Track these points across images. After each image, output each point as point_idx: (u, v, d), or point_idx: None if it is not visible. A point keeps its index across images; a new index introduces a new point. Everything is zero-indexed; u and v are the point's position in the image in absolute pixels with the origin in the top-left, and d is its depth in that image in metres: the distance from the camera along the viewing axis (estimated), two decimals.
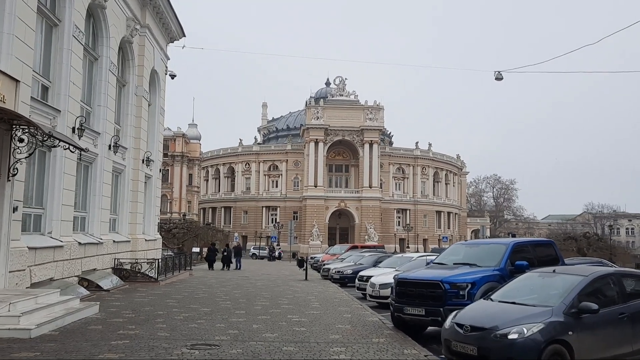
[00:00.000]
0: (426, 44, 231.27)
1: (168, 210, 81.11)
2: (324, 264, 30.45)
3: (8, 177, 11.27)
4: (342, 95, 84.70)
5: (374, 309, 15.07)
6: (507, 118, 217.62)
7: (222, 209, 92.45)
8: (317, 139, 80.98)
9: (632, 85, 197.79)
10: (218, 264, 33.82)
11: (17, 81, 11.15)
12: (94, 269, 17.56)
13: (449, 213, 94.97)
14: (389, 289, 13.00)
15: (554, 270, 9.18)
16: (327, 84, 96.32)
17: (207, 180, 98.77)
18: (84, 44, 16.49)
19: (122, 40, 20.21)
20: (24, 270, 12.34)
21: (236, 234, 70.80)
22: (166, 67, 26.64)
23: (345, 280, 23.61)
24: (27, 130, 11.09)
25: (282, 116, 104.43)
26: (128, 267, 19.87)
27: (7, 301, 9.64)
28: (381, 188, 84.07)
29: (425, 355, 8.73)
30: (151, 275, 19.99)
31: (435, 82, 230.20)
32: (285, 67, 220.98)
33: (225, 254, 33.74)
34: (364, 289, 17.80)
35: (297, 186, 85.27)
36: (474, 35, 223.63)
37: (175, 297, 16.07)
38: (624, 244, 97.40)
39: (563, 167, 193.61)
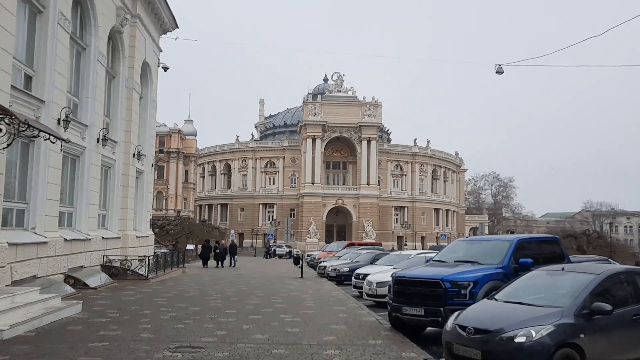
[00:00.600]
0: (425, 40, 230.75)
1: (164, 207, 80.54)
2: (320, 262, 29.86)
3: None
4: (340, 92, 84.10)
5: (371, 308, 14.50)
6: (505, 116, 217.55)
7: (219, 206, 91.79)
8: (314, 136, 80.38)
9: (630, 83, 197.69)
10: (213, 262, 33.20)
11: None
12: (81, 266, 16.95)
13: (447, 210, 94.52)
14: (387, 288, 12.43)
15: (562, 268, 8.60)
16: (325, 80, 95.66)
17: (204, 177, 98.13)
18: (70, 32, 15.83)
19: (111, 30, 19.57)
20: (4, 267, 11.72)
21: (232, 231, 70.12)
22: (158, 59, 25.99)
23: (341, 278, 23.06)
24: (3, 119, 10.48)
25: (279, 112, 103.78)
26: (117, 264, 19.26)
27: None
28: (379, 185, 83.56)
29: (425, 359, 8.17)
30: (141, 272, 19.38)
31: (433, 79, 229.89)
32: (283, 63, 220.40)
33: (217, 251, 33.13)
34: (361, 287, 17.25)
35: (294, 183, 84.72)
36: (472, 29, 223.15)
37: (165, 295, 15.49)
38: (622, 241, 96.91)
39: (561, 165, 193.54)
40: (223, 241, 40.10)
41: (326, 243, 64.43)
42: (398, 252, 24.76)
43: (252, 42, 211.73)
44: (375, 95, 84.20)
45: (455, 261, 11.43)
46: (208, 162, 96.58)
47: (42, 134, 11.66)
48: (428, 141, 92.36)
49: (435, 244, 72.97)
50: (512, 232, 68.85)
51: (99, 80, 18.34)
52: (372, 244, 43.58)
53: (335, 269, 24.27)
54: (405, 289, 10.63)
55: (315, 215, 79.56)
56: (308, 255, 40.26)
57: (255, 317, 11.65)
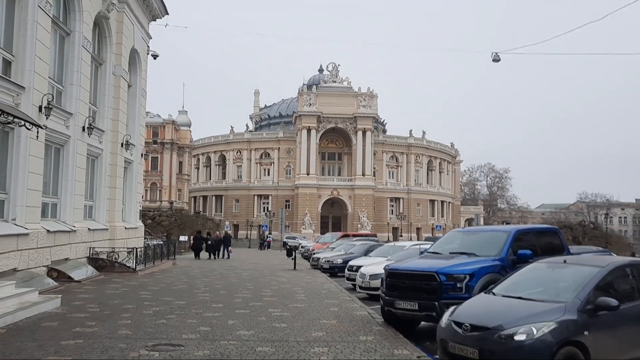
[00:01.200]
0: (420, 34, 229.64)
1: (158, 199, 79.90)
2: (314, 253, 29.40)
3: None
4: (335, 82, 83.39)
5: (364, 301, 14.05)
6: (501, 107, 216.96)
7: (213, 198, 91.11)
8: (309, 127, 79.76)
9: (627, 73, 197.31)
10: (206, 254, 32.67)
11: None
12: (66, 259, 16.43)
13: (442, 202, 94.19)
14: (380, 280, 11.94)
15: (564, 261, 8.10)
16: (320, 70, 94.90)
17: (198, 168, 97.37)
18: (52, 16, 15.21)
19: (97, 16, 18.93)
20: None
21: (227, 223, 69.63)
22: (148, 46, 25.30)
23: (335, 270, 22.63)
24: None
25: (274, 103, 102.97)
26: (104, 256, 18.74)
27: None
28: (374, 176, 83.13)
29: (418, 357, 7.70)
30: (129, 265, 18.86)
31: (428, 71, 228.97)
32: (278, 53, 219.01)
33: (209, 242, 32.60)
34: (354, 280, 16.80)
35: (290, 174, 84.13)
36: (470, 21, 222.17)
37: (151, 288, 14.98)
38: (617, 232, 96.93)
39: (556, 156, 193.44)
40: (217, 232, 39.59)
41: (321, 234, 64.00)
42: (392, 244, 24.29)
43: (247, 32, 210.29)
44: (371, 86, 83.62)
45: (450, 253, 10.95)
46: (202, 153, 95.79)
47: (17, 120, 11.09)
48: (424, 132, 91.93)
49: (430, 235, 72.56)
50: (508, 223, 68.47)
51: (84, 67, 17.73)
52: (366, 235, 43.18)
53: (328, 261, 23.83)
54: (399, 282, 10.16)
55: (310, 206, 79.12)
56: (302, 247, 39.78)
57: (243, 312, 11.17)
